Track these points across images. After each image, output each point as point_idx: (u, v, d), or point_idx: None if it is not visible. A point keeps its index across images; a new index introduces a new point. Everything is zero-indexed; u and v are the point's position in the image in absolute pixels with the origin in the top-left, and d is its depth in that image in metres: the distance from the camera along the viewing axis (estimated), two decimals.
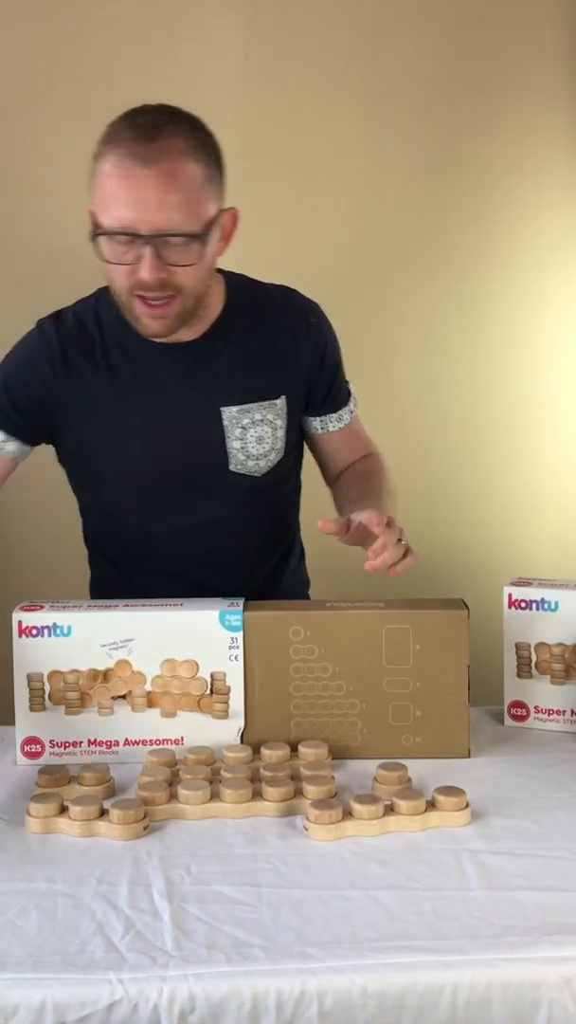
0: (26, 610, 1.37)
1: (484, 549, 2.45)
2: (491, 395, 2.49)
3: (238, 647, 1.37)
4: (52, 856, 1.13)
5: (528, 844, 1.14)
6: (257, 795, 1.23)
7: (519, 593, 1.48)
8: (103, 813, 1.19)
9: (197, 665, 1.37)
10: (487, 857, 1.11)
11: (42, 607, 1.38)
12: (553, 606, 1.46)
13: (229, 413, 1.49)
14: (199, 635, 1.37)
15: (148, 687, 1.37)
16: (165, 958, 0.93)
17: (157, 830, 1.18)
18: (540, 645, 1.47)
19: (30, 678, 1.36)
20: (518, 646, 1.48)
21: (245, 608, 1.38)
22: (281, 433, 1.54)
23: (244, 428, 1.50)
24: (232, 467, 1.52)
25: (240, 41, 2.30)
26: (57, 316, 1.51)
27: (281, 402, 1.53)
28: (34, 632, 1.36)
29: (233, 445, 1.51)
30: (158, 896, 1.04)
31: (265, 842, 1.16)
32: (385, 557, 1.30)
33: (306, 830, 1.17)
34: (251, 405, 1.51)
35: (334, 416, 1.62)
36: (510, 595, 1.48)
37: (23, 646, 1.36)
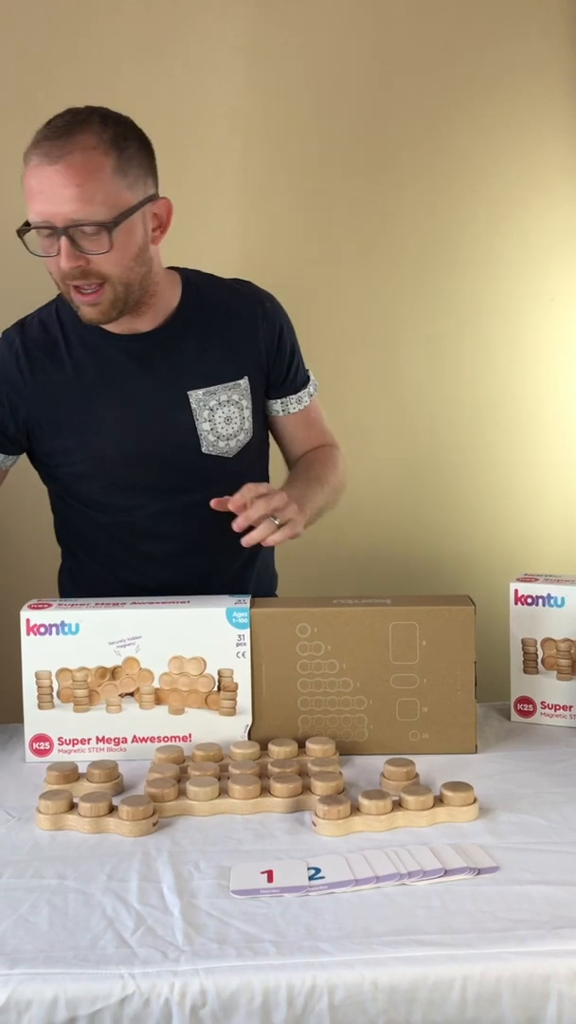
0: (34, 608, 1.38)
1: (490, 545, 2.45)
2: (496, 391, 2.49)
3: (245, 644, 1.37)
4: (62, 852, 1.14)
5: (536, 839, 1.14)
6: (265, 791, 1.24)
7: (525, 589, 1.48)
8: (112, 810, 1.19)
9: (204, 662, 1.37)
10: (495, 852, 1.11)
11: (50, 605, 1.39)
12: (559, 602, 1.46)
13: (196, 396, 1.55)
14: (206, 632, 1.37)
15: (156, 684, 1.37)
16: (176, 953, 0.94)
17: (166, 826, 1.19)
18: (546, 641, 1.47)
19: (38, 676, 1.37)
20: (524, 642, 1.48)
21: (252, 605, 1.38)
22: (247, 413, 1.60)
23: (212, 410, 1.55)
24: (204, 449, 1.57)
25: (241, 36, 2.30)
26: (21, 323, 1.58)
27: (244, 383, 1.59)
28: (42, 630, 1.36)
29: (203, 427, 1.56)
30: (168, 892, 1.04)
31: (274, 838, 1.16)
32: (252, 535, 1.41)
33: (314, 826, 1.18)
34: (216, 387, 1.56)
35: (294, 398, 1.68)
36: (516, 591, 1.48)
37: (31, 644, 1.36)
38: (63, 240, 1.37)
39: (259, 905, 1.02)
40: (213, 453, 1.57)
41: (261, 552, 1.69)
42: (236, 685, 1.38)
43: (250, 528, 1.42)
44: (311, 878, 1.06)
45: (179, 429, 1.55)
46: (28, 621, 1.36)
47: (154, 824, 1.18)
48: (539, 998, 0.91)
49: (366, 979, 0.91)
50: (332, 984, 0.91)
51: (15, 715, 1.40)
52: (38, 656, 1.37)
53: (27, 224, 1.40)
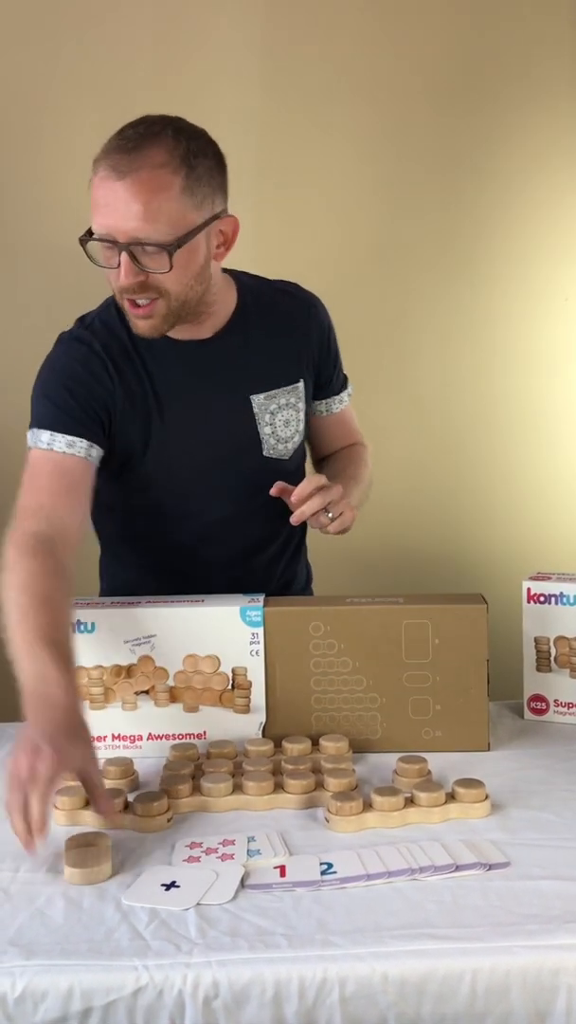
0: None
1: (503, 544, 2.46)
2: (510, 390, 2.50)
3: (259, 642, 1.38)
4: None
5: (548, 835, 1.15)
6: (279, 788, 1.25)
7: (538, 587, 1.49)
8: (127, 806, 1.21)
9: (219, 660, 1.39)
10: (506, 848, 1.12)
11: None
12: (572, 600, 1.47)
13: (257, 401, 1.56)
14: (221, 631, 1.38)
15: (171, 682, 1.39)
16: (189, 945, 0.95)
17: (181, 822, 1.20)
18: (559, 639, 1.48)
19: None
20: (537, 640, 1.49)
21: (266, 604, 1.40)
22: (302, 416, 1.62)
23: (272, 414, 1.56)
24: (265, 452, 1.58)
25: (253, 46, 2.31)
26: (86, 326, 1.53)
27: (300, 385, 1.60)
28: None
29: (265, 431, 1.57)
30: None
31: (287, 834, 1.17)
32: (304, 511, 1.41)
33: (327, 822, 1.19)
34: (276, 391, 1.57)
35: (336, 399, 1.71)
36: (529, 589, 1.49)
37: None
38: (123, 256, 1.35)
39: (271, 899, 1.03)
40: (273, 456, 1.58)
41: (300, 554, 1.73)
42: (250, 683, 1.39)
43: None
44: (323, 873, 1.07)
45: (243, 434, 1.56)
46: None
47: (168, 820, 1.19)
48: (548, 992, 0.92)
49: (377, 972, 0.92)
50: (343, 977, 0.92)
51: None
52: None
53: (89, 233, 1.38)
